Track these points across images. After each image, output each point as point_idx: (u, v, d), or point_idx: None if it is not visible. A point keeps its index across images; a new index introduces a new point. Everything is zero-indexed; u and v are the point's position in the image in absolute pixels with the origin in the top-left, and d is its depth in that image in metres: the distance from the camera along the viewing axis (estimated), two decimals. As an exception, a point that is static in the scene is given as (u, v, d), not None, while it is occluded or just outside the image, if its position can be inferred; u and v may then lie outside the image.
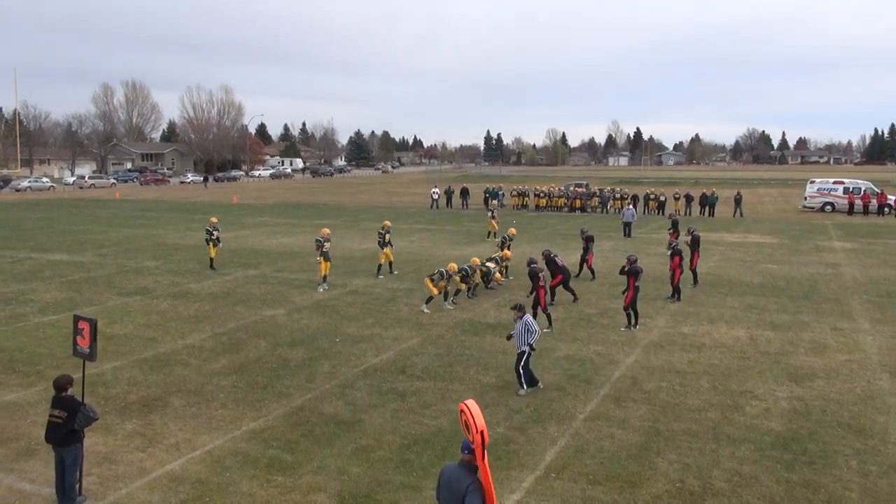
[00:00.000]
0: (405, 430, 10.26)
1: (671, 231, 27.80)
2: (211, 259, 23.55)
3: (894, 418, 10.71)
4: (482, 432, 5.92)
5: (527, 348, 11.79)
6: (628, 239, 32.36)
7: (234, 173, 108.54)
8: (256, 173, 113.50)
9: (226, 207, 51.52)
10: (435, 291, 17.58)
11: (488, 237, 31.44)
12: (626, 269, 15.95)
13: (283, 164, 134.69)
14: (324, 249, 20.07)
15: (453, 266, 18.07)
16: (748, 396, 11.67)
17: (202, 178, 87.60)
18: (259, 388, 12.09)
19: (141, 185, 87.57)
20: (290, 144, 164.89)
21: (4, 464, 9.22)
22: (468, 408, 6.02)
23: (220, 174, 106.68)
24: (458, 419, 6.26)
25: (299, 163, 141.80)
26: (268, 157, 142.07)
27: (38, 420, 10.38)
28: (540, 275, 15.81)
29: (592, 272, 22.09)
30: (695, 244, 21.11)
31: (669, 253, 18.92)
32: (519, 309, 11.97)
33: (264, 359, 13.75)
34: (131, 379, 12.55)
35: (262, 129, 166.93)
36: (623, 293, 16.10)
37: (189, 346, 14.59)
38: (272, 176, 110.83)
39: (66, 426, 7.94)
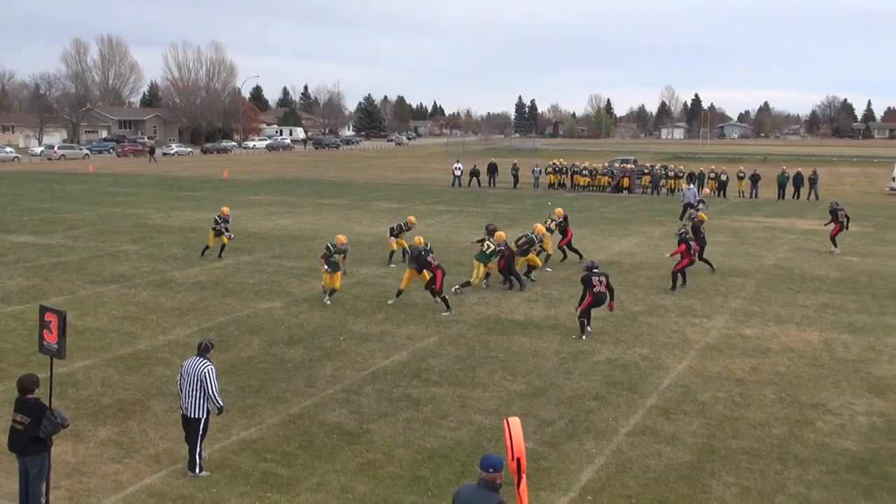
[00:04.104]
0: (418, 444, 10.33)
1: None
2: (206, 247, 23.58)
3: None
4: (519, 459, 5.94)
5: None
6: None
7: (225, 144, 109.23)
8: (251, 144, 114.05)
9: (214, 183, 51.94)
10: (478, 274, 18.89)
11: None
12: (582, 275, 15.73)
13: (281, 134, 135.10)
14: (332, 259, 17.66)
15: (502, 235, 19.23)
16: (820, 410, 11.60)
17: (149, 150, 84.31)
18: (252, 391, 12.22)
19: (118, 156, 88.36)
20: (290, 111, 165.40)
21: (-38, 473, 9.40)
22: (510, 427, 6.04)
23: (208, 144, 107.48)
24: (503, 435, 6.29)
25: (300, 132, 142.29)
26: (264, 125, 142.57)
27: (0, 425, 10.57)
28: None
29: (564, 252, 23.26)
30: (695, 233, 21.15)
31: (678, 239, 19.93)
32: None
33: (258, 358, 13.89)
34: (105, 379, 12.73)
35: (257, 93, 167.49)
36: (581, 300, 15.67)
37: (171, 343, 14.76)
38: (269, 147, 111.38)
39: (30, 433, 8.06)
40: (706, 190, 31.76)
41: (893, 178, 48.26)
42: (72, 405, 11.43)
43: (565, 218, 23.30)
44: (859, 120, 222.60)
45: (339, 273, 17.84)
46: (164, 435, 10.51)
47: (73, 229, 29.54)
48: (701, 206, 29.30)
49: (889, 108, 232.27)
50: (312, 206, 37.93)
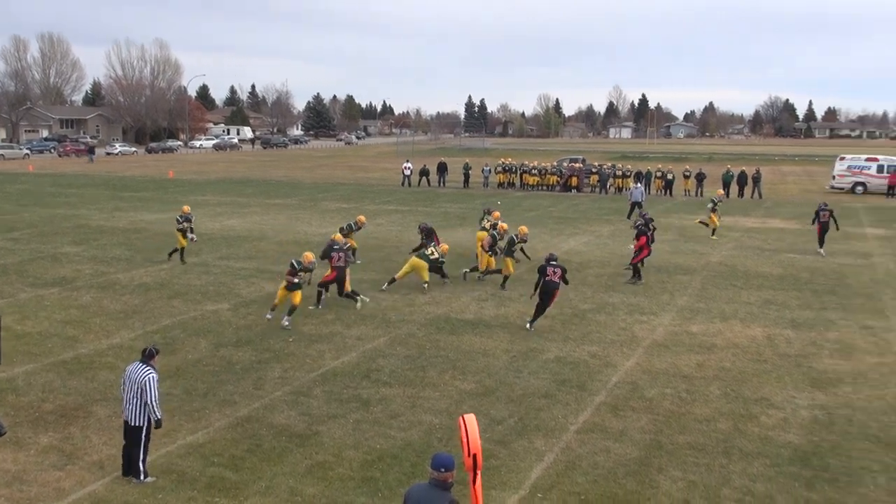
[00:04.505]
0: (369, 445, 10.30)
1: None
2: (176, 249, 22.73)
3: (929, 429, 10.94)
4: (475, 456, 5.96)
5: None
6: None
7: (171, 143, 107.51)
8: (197, 143, 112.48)
9: (160, 183, 51.10)
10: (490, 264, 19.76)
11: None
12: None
13: (228, 134, 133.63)
14: (296, 281, 16.03)
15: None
16: (764, 405, 11.85)
17: (87, 150, 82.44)
18: (198, 395, 12.06)
19: (60, 156, 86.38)
20: (238, 110, 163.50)
21: None
22: (466, 424, 6.05)
23: (153, 144, 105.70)
24: (458, 433, 6.30)
25: (248, 132, 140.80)
26: (211, 124, 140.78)
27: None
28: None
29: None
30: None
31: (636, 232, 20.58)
32: None
33: (205, 361, 13.70)
34: (47, 385, 12.45)
35: (203, 91, 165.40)
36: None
37: (115, 347, 14.49)
38: (216, 147, 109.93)
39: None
40: (720, 191, 31.63)
41: (833, 177, 49.49)
42: (11, 412, 11.15)
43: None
44: (801, 120, 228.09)
45: (299, 290, 16.12)
46: (107, 441, 10.31)
47: (13, 231, 28.81)
48: (714, 205, 28.57)
49: (829, 109, 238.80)
50: (260, 207, 37.55)
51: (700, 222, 29.12)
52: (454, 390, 12.37)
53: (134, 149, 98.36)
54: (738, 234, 29.75)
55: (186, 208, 23.31)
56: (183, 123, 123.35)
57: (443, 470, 5.95)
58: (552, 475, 9.50)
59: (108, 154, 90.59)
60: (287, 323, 15.72)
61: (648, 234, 20.58)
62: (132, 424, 9.05)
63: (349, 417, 11.21)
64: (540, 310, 15.90)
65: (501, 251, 20.04)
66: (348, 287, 17.56)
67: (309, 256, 16.37)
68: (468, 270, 20.72)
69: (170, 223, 30.84)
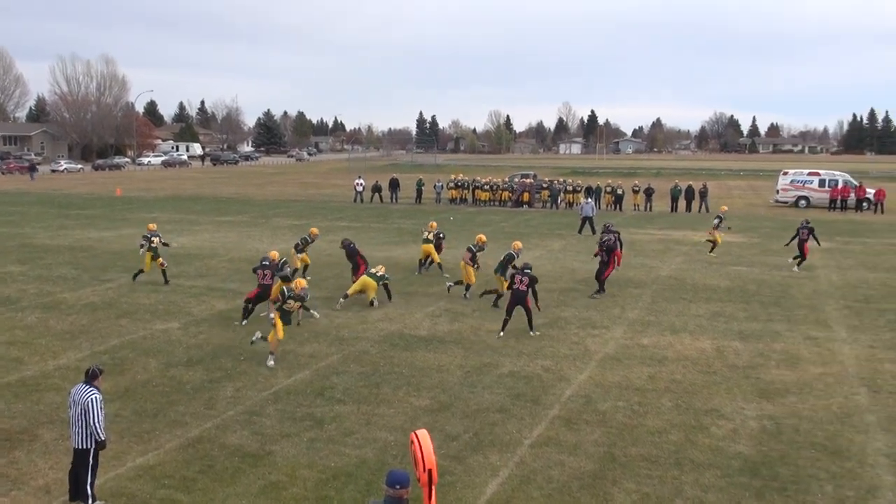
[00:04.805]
0: (323, 463, 10.21)
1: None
2: (140, 271, 22.10)
3: (873, 438, 11.21)
4: (430, 471, 5.95)
5: None
6: (589, 236, 32.74)
7: (118, 160, 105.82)
8: (145, 160, 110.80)
9: (106, 201, 50.23)
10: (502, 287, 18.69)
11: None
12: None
13: (177, 150, 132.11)
14: (285, 307, 14.78)
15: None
16: (714, 416, 12.03)
17: (29, 168, 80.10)
18: (148, 416, 11.85)
19: (2, 173, 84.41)
20: (187, 126, 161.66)
21: None
22: (418, 439, 6.04)
23: (100, 161, 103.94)
24: (409, 449, 6.29)
25: (197, 148, 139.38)
26: (159, 141, 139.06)
27: None
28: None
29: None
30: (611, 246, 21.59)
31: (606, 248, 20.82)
32: None
33: (154, 381, 13.47)
34: (-10, 408, 12.12)
35: (151, 107, 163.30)
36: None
37: (62, 368, 14.16)
38: (164, 164, 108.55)
39: None
40: (724, 207, 31.61)
41: (777, 191, 50.63)
42: (-47, 437, 10.83)
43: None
44: (745, 135, 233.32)
45: (280, 325, 14.57)
46: (54, 465, 10.06)
47: (-47, 250, 28.03)
48: (720, 222, 28.40)
49: (772, 124, 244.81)
50: (211, 224, 37.12)
51: (707, 240, 28.87)
52: (409, 407, 12.34)
53: (80, 166, 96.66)
54: (686, 247, 30.24)
55: (152, 226, 22.82)
56: (130, 140, 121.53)
57: (398, 487, 5.92)
58: (507, 490, 9.51)
59: (54, 171, 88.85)
60: (271, 363, 14.28)
61: (618, 248, 21.12)
62: (78, 447, 8.84)
63: (303, 436, 11.11)
64: (511, 315, 16.56)
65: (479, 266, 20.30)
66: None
67: (301, 283, 15.26)
68: (452, 284, 20.91)
69: (118, 241, 30.39)
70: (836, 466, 10.23)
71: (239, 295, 20.00)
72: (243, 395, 12.82)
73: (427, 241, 23.47)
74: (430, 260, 23.76)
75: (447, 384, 13.41)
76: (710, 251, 28.17)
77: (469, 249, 20.24)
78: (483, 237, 21.13)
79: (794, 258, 25.54)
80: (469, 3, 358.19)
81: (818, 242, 26.02)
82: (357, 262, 20.82)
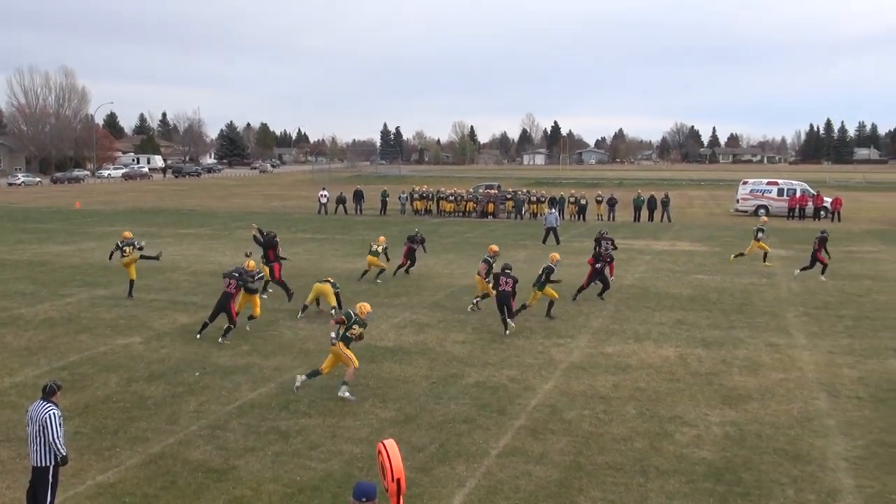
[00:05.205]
0: (288, 477, 10.11)
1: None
2: (131, 282, 21.78)
3: (832, 442, 11.39)
4: (398, 480, 5.92)
5: None
6: (553, 246, 32.92)
7: (77, 173, 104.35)
8: (105, 173, 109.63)
9: (66, 214, 49.48)
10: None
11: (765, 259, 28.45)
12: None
13: (138, 163, 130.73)
14: (348, 334, 13.31)
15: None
16: (678, 423, 12.13)
17: None
18: (109, 432, 11.65)
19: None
20: (148, 138, 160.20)
21: None
22: (386, 449, 6.01)
23: (59, 174, 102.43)
24: (377, 460, 6.26)
25: (159, 160, 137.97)
26: (120, 153, 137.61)
27: None
28: None
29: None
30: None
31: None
32: None
33: (115, 397, 13.26)
34: (-55, 427, 11.84)
35: (112, 119, 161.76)
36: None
37: (19, 385, 13.88)
38: (125, 176, 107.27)
39: None
40: (764, 218, 31.14)
41: (737, 200, 51.38)
42: None
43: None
44: (706, 146, 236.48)
45: (349, 353, 13.28)
46: (11, 484, 9.85)
47: None
48: (761, 234, 27.90)
49: (732, 135, 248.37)
50: (173, 237, 36.71)
51: (739, 255, 28.46)
52: (374, 419, 12.28)
53: (38, 179, 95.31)
54: (649, 256, 30.52)
55: (128, 233, 22.40)
56: (90, 152, 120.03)
57: (364, 499, 5.88)
58: (474, 501, 9.50)
59: (11, 185, 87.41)
60: (347, 394, 13.12)
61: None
62: (37, 465, 8.65)
63: (268, 450, 10.99)
64: (505, 315, 17.65)
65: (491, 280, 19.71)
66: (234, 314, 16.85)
67: (366, 307, 13.73)
68: (479, 299, 20.22)
69: (78, 255, 29.93)
70: (797, 470, 10.36)
71: (202, 308, 19.80)
72: (206, 409, 12.67)
73: (374, 253, 23.96)
74: (366, 271, 24.40)
75: (413, 395, 13.38)
76: (764, 260, 28.07)
77: (485, 261, 19.99)
78: (495, 247, 21.16)
79: (802, 269, 25.38)
80: (433, 14, 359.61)
81: (827, 254, 25.13)
82: (268, 254, 21.16)
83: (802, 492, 9.75)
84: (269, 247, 21.21)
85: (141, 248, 21.86)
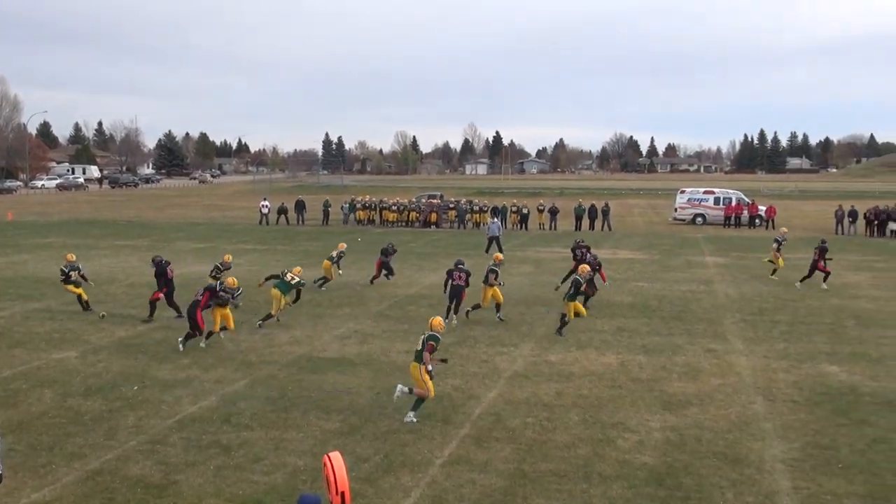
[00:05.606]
0: (231, 491, 9.97)
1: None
2: (83, 301, 21.09)
3: (769, 445, 11.66)
4: (343, 494, 5.89)
5: None
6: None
7: (10, 184, 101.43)
8: (39, 184, 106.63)
9: (-2, 226, 48.07)
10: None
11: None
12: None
13: (73, 173, 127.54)
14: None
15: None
16: (620, 428, 12.29)
17: None
18: (44, 449, 11.33)
19: None
20: (83, 148, 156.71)
21: None
22: (331, 461, 5.97)
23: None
24: (322, 472, 6.21)
25: (95, 171, 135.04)
26: (54, 163, 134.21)
27: None
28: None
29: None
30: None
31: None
32: None
33: (50, 413, 12.90)
34: None
35: (45, 128, 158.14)
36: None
37: (-51, 402, 13.44)
38: (60, 187, 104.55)
39: None
40: (784, 229, 30.44)
41: (675, 209, 52.39)
42: None
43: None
44: (644, 155, 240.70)
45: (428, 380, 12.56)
46: (-60, 504, 9.52)
47: None
48: (779, 244, 27.03)
49: (669, 145, 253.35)
50: (110, 249, 35.93)
51: (768, 261, 28.01)
52: (318, 430, 12.18)
53: None
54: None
55: (71, 256, 21.88)
56: (23, 162, 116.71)
57: (306, 512, 5.86)
58: (419, 510, 9.48)
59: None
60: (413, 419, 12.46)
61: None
62: None
63: (209, 464, 10.82)
64: (453, 308, 19.19)
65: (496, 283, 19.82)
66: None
67: (438, 321, 13.01)
68: (470, 309, 19.96)
69: (10, 268, 29.10)
70: (736, 474, 10.58)
71: (140, 321, 19.46)
72: (146, 423, 12.42)
73: (329, 258, 24.45)
74: (325, 279, 24.51)
75: (357, 406, 13.31)
76: (772, 274, 27.18)
77: (492, 271, 19.83)
78: (500, 256, 21.85)
79: (802, 279, 25.03)
80: (375, 25, 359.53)
81: (824, 262, 24.70)
82: (161, 283, 20.18)
83: (742, 495, 9.96)
84: (161, 275, 20.36)
85: (84, 279, 21.49)
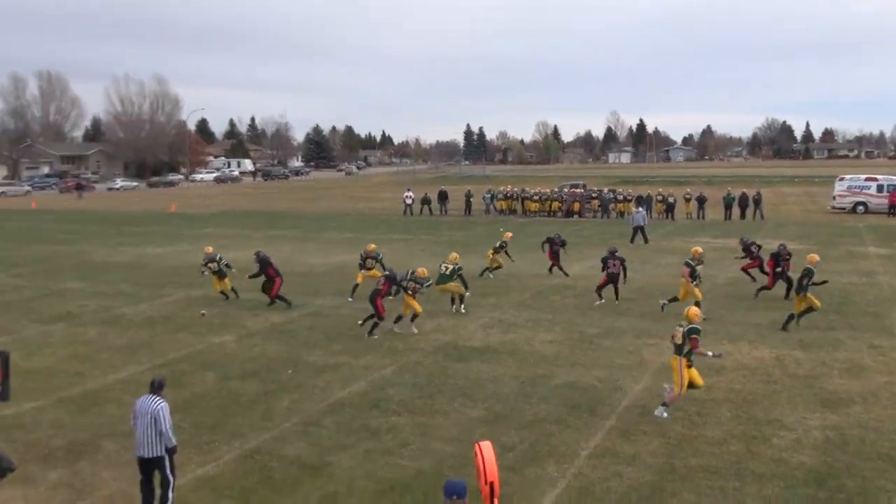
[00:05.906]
0: (380, 474, 10.25)
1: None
2: (224, 293, 22.16)
3: (942, 447, 10.88)
4: (492, 484, 5.94)
5: None
6: (641, 246, 32.47)
7: (172, 177, 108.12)
8: (198, 177, 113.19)
9: (162, 217, 51.27)
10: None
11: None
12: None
13: (229, 166, 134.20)
14: None
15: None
16: (776, 426, 11.79)
17: (75, 187, 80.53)
18: (207, 428, 12.02)
19: (61, 192, 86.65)
20: (238, 143, 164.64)
21: None
22: (482, 451, 6.04)
23: (155, 178, 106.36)
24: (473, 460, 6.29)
25: (248, 164, 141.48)
26: (211, 157, 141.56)
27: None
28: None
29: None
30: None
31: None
32: None
33: (212, 394, 13.68)
34: (55, 421, 12.42)
35: (203, 125, 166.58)
36: None
37: (122, 381, 14.46)
38: (217, 180, 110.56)
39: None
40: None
41: (834, 197, 49.55)
42: (20, 448, 11.10)
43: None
44: (799, 141, 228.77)
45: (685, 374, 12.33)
46: (117, 475, 10.26)
47: (17, 267, 28.86)
48: None
49: (826, 129, 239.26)
50: (264, 238, 37.58)
51: None
52: (464, 418, 12.32)
53: (135, 183, 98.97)
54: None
55: (209, 249, 22.91)
56: (183, 157, 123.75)
57: (455, 497, 5.92)
58: (565, 501, 9.44)
59: (110, 189, 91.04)
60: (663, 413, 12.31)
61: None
62: (148, 456, 9.00)
63: (359, 447, 11.16)
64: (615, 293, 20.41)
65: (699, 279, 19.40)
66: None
67: (695, 313, 12.91)
68: (666, 302, 19.55)
69: (174, 257, 30.98)
70: (905, 478, 9.95)
71: (293, 307, 20.27)
72: (299, 406, 12.94)
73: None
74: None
75: (502, 395, 13.37)
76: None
77: (687, 264, 19.48)
78: (699, 249, 20.68)
79: None
80: (516, 14, 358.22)
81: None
82: (269, 273, 20.92)
83: (910, 499, 9.37)
84: (265, 267, 21.03)
85: (228, 266, 22.30)
